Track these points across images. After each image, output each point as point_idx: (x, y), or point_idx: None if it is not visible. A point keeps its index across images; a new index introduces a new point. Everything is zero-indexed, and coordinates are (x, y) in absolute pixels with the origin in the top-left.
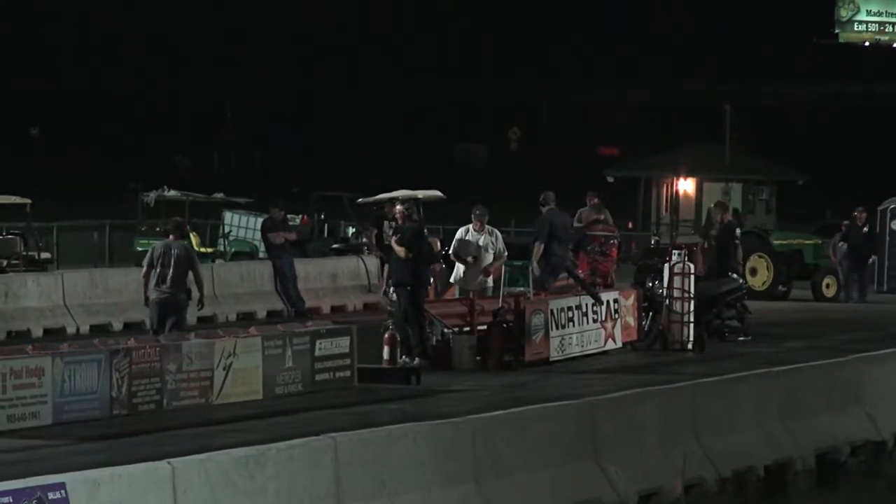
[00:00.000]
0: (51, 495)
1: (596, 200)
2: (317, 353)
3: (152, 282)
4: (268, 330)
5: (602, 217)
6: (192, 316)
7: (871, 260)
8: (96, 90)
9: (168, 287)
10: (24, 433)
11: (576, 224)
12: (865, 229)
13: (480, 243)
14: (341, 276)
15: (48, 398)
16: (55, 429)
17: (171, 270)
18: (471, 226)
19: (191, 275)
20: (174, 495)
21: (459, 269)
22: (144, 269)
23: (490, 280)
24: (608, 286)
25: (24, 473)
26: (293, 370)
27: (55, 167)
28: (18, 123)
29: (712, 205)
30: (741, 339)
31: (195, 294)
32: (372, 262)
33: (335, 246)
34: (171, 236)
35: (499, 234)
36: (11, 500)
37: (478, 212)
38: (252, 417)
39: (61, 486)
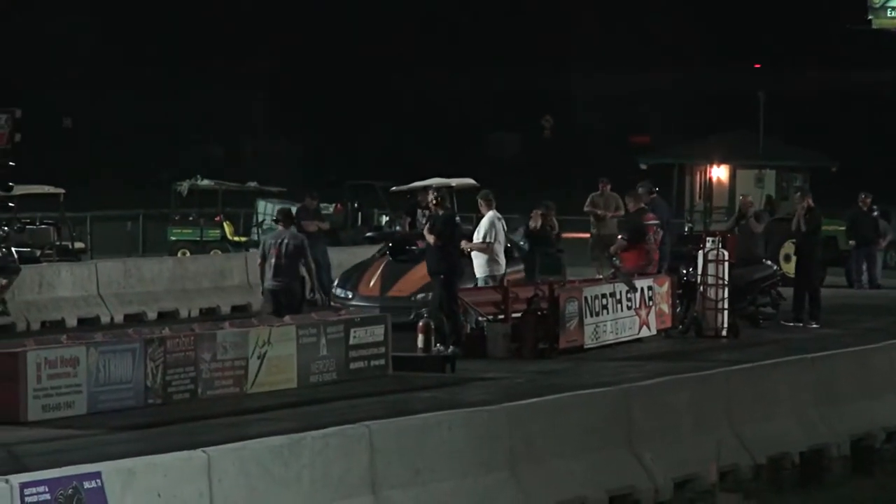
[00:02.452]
0: (86, 484)
1: (608, 187)
2: (351, 341)
3: (267, 272)
4: (302, 319)
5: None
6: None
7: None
8: (130, 79)
9: (281, 276)
10: (59, 423)
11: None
12: (875, 213)
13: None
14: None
15: (83, 388)
16: (90, 418)
17: (284, 260)
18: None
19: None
20: (209, 484)
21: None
22: (259, 260)
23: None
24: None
25: (60, 463)
26: (327, 359)
27: (88, 157)
28: (51, 113)
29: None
30: (813, 326)
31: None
32: None
33: (368, 234)
34: (280, 226)
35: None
36: (47, 490)
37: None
38: (286, 406)
39: (97, 475)
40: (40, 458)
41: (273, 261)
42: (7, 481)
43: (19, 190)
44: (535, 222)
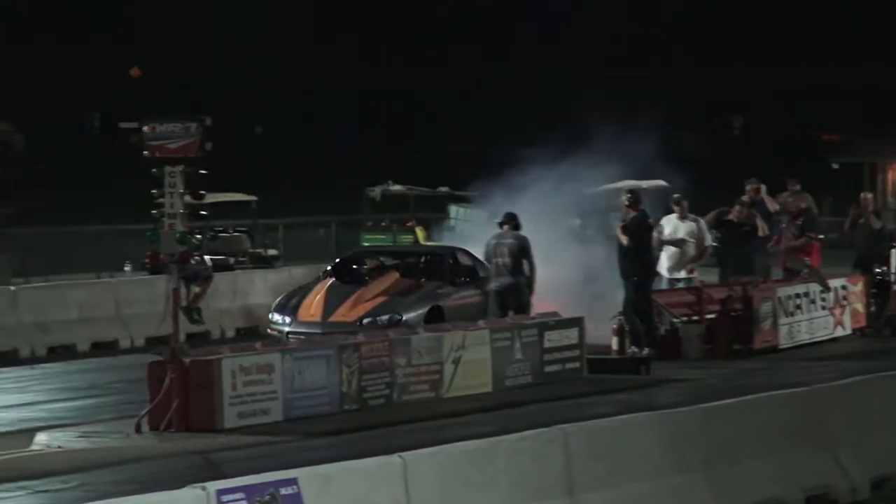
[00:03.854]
0: (283, 490)
1: (798, 187)
2: (545, 344)
3: (492, 272)
4: (495, 322)
5: (805, 205)
6: None
7: None
8: (317, 86)
9: (505, 276)
10: (254, 429)
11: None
12: None
13: (684, 232)
14: (566, 269)
15: (278, 394)
16: (285, 424)
17: (507, 260)
18: (674, 214)
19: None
20: (405, 489)
21: (663, 258)
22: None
23: (690, 272)
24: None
25: (256, 469)
26: (522, 362)
27: (280, 164)
28: (243, 121)
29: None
30: None
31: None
32: (599, 252)
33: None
34: (504, 227)
35: (703, 223)
36: (244, 496)
37: (678, 199)
38: (481, 410)
39: (293, 481)
40: (237, 464)
41: (497, 261)
42: (204, 488)
43: (212, 198)
44: (736, 216)
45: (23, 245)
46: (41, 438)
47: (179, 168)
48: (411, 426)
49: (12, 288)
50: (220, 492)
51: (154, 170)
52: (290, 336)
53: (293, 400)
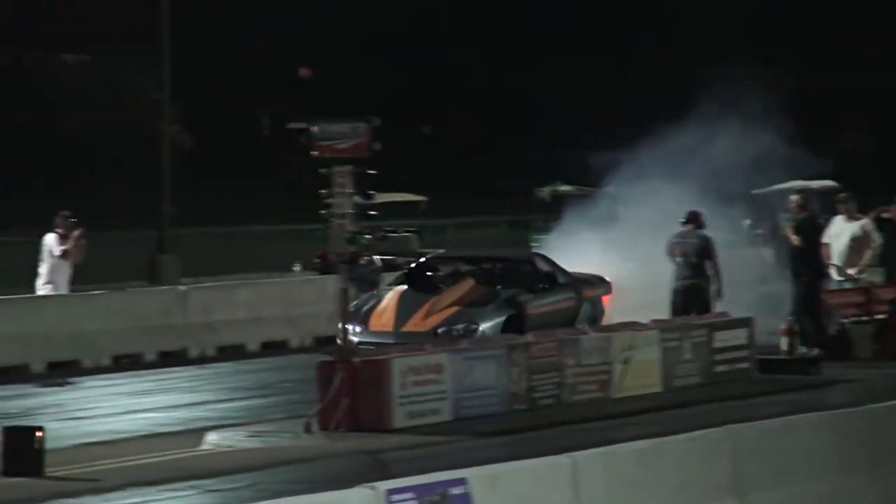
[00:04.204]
0: (452, 490)
1: None
2: (715, 344)
3: (675, 272)
4: (665, 323)
5: None
6: None
7: None
8: (485, 86)
9: (687, 275)
10: (424, 429)
11: None
12: None
13: (850, 233)
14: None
15: (448, 394)
16: (455, 424)
17: (689, 259)
18: (841, 216)
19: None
20: (575, 489)
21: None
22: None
23: (856, 272)
24: None
25: (425, 469)
26: (691, 362)
27: (448, 165)
28: (411, 122)
29: None
30: None
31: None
32: (769, 253)
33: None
34: (688, 226)
35: (870, 223)
36: (414, 496)
37: (845, 198)
38: (650, 410)
39: (462, 480)
40: (406, 464)
41: (679, 260)
42: (374, 488)
43: (381, 198)
44: (892, 215)
45: (192, 245)
46: (211, 438)
47: (348, 168)
48: (580, 426)
49: (182, 288)
50: (390, 491)
51: (323, 170)
52: (359, 346)
53: (462, 399)
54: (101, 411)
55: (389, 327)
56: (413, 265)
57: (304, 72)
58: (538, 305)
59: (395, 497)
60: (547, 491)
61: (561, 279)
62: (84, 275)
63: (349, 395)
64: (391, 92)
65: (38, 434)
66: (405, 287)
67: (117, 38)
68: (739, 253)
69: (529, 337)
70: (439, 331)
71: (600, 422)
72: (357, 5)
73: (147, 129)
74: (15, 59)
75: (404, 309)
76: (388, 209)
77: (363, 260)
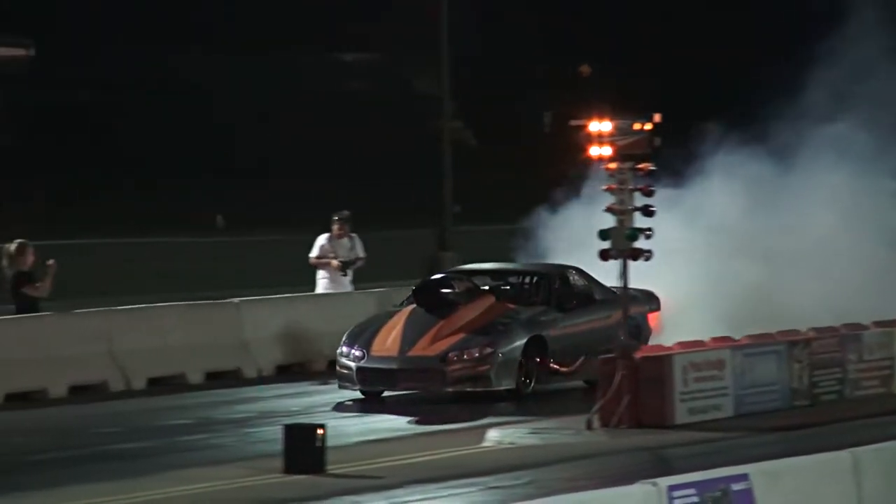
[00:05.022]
0: (734, 486)
1: None
2: None
3: None
4: None
5: None
6: None
7: None
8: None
9: None
10: (705, 425)
11: None
12: None
13: None
14: None
15: (729, 390)
16: (735, 421)
17: None
18: None
19: None
20: (856, 484)
21: None
22: None
23: None
24: None
25: (706, 465)
26: None
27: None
28: (692, 118)
29: None
30: None
31: None
32: None
33: None
34: None
35: None
36: (695, 492)
37: None
38: None
39: (744, 477)
40: (687, 460)
41: None
42: (655, 484)
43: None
44: None
45: (473, 242)
46: (492, 435)
47: (629, 165)
48: (861, 422)
49: None
50: (672, 487)
51: (601, 166)
52: (359, 373)
53: (743, 396)
54: (382, 409)
55: (394, 352)
56: (424, 281)
57: (585, 69)
58: (566, 326)
59: (677, 493)
60: (827, 486)
61: (598, 296)
62: (364, 274)
63: (630, 392)
64: (672, 89)
65: (319, 431)
66: (414, 307)
67: (395, 36)
68: None
69: (811, 332)
70: (450, 355)
71: (882, 417)
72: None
73: (427, 127)
74: (287, 60)
75: (412, 331)
76: None
77: (643, 257)
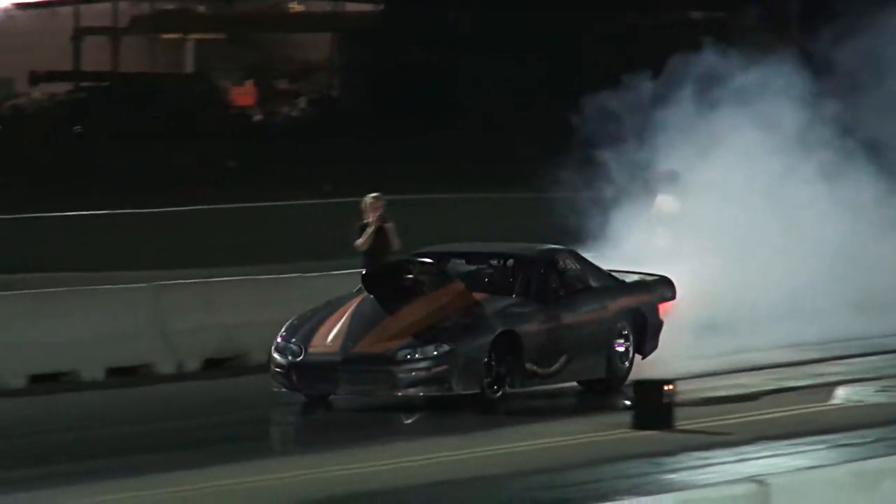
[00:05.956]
0: None
1: None
2: None
3: None
4: None
5: None
6: None
7: None
8: None
9: None
10: None
11: None
12: None
13: None
14: None
15: None
16: None
17: None
18: None
19: None
20: None
21: None
22: None
23: None
24: None
25: None
26: None
27: None
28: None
29: None
30: None
31: None
32: None
33: None
34: None
35: None
36: None
37: None
38: None
39: None
40: None
41: None
42: None
43: None
44: None
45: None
46: (841, 393)
47: None
48: None
49: None
50: None
51: None
52: (295, 373)
53: None
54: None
55: (335, 348)
56: (378, 266)
57: None
58: (546, 319)
59: None
60: None
61: (595, 283)
62: None
63: None
64: None
65: (668, 387)
66: (365, 295)
67: None
68: None
69: None
70: (400, 354)
71: None
72: None
73: None
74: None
75: (358, 325)
76: None
77: None
